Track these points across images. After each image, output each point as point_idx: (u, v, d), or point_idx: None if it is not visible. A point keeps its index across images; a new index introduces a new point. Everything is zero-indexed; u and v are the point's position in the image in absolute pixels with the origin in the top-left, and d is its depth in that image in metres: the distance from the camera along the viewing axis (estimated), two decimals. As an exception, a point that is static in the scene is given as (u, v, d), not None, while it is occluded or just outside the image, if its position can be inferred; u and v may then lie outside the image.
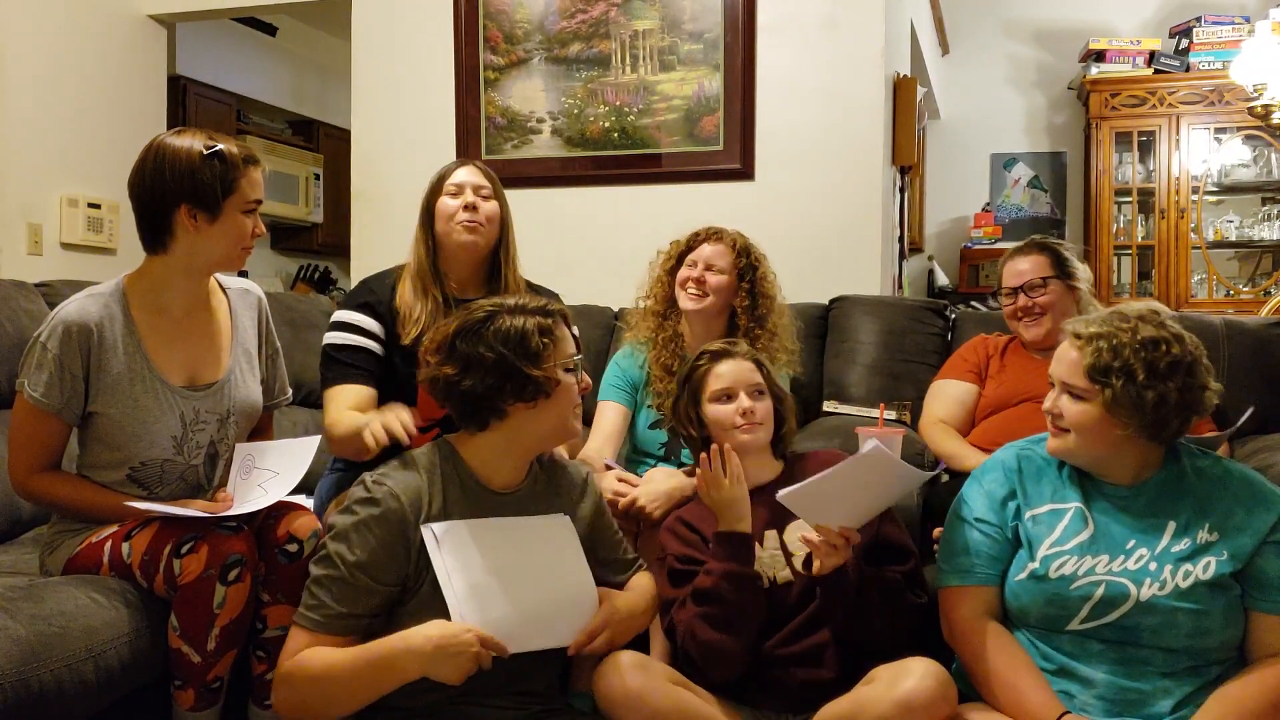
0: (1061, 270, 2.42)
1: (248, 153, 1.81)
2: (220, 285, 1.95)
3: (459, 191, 2.18)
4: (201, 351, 1.87)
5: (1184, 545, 1.59)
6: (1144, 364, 1.56)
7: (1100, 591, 1.58)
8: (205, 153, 1.74)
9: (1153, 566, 1.59)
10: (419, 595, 1.58)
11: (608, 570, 1.79)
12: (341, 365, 2.09)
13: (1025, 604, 1.65)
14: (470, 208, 2.16)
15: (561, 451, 1.87)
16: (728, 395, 1.87)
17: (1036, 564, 1.63)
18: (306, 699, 1.53)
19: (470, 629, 1.50)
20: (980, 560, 1.68)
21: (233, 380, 1.89)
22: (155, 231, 1.79)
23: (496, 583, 1.57)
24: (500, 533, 1.62)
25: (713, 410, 1.88)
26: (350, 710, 1.54)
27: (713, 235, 2.35)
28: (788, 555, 1.82)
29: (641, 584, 1.81)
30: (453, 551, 1.56)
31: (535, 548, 1.65)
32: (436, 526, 1.57)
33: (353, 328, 2.13)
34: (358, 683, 1.50)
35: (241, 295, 1.97)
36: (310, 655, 1.52)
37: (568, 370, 1.66)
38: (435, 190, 2.21)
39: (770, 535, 1.83)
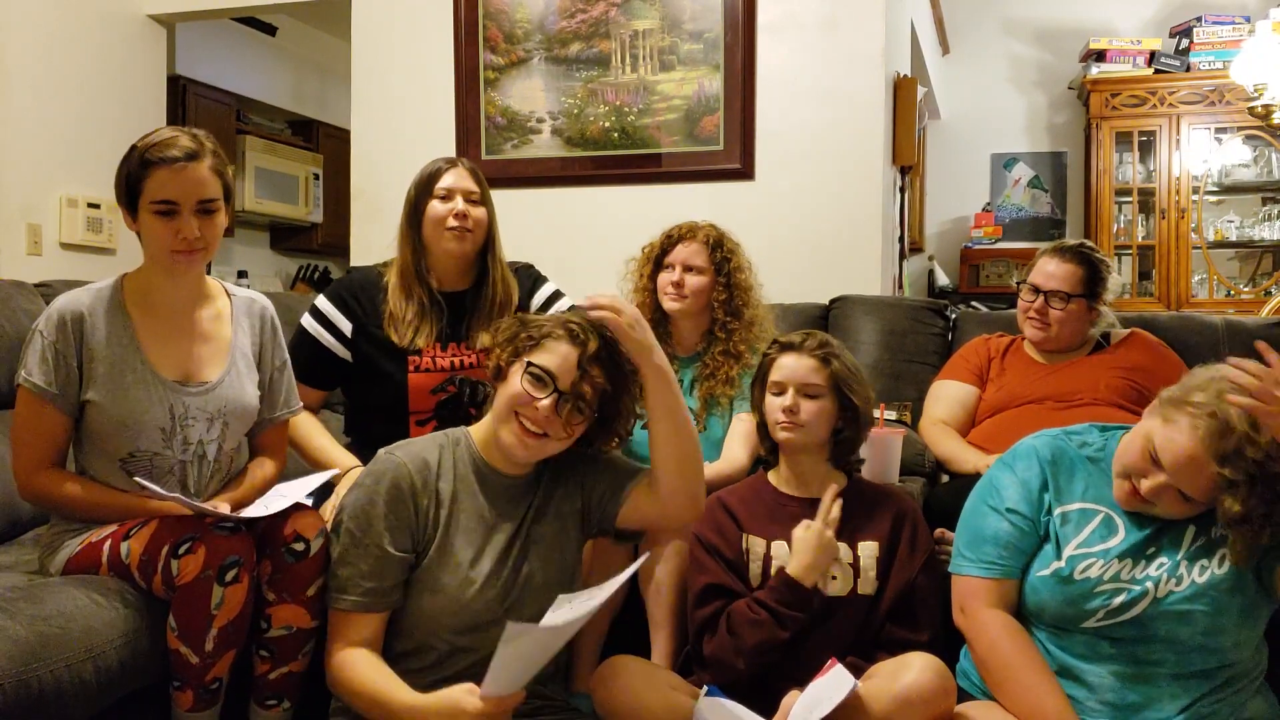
0: (1090, 290, 2.41)
1: (168, 152, 1.72)
2: (227, 291, 1.95)
3: (449, 196, 2.17)
4: (199, 351, 1.86)
5: (1200, 542, 1.59)
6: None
7: (1120, 599, 1.58)
8: (136, 150, 1.74)
9: (1169, 563, 1.58)
10: (425, 561, 1.66)
11: (622, 478, 1.77)
12: (305, 366, 2.17)
13: (1044, 600, 1.64)
14: (460, 215, 2.16)
15: None
16: (780, 389, 1.86)
17: (1062, 563, 1.62)
18: (352, 703, 1.62)
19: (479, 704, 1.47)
20: (1008, 553, 1.67)
21: (227, 382, 1.88)
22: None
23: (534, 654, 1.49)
24: (578, 604, 1.51)
25: (767, 400, 1.88)
26: None
27: (686, 234, 2.34)
28: (857, 570, 1.81)
29: None
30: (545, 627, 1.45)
31: (577, 615, 1.49)
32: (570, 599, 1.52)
33: (327, 323, 2.21)
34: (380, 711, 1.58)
35: (246, 304, 1.96)
36: (355, 664, 1.61)
37: (528, 371, 1.66)
38: (423, 191, 2.20)
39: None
